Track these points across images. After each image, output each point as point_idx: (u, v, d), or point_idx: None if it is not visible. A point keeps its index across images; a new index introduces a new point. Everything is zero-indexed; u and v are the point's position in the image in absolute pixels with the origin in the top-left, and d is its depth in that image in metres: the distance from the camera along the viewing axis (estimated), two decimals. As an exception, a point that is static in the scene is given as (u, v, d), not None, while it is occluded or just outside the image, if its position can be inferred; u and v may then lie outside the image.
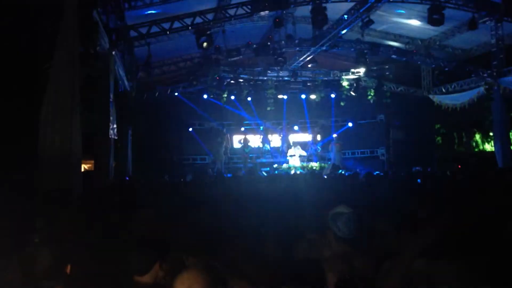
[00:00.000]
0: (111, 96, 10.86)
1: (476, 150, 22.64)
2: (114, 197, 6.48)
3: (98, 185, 10.15)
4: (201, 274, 2.18)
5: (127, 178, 13.40)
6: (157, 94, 20.06)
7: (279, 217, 3.78)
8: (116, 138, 11.76)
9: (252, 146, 22.29)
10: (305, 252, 3.07)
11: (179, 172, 19.29)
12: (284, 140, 22.90)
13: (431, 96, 20.95)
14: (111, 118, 10.79)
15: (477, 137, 22.07)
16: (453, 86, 20.08)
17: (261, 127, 23.07)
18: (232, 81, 20.28)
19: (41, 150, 7.40)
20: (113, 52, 11.40)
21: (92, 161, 13.05)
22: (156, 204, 5.49)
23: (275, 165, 21.28)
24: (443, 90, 20.62)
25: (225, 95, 21.14)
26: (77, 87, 7.84)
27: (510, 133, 17.82)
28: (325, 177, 13.85)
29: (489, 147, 21.57)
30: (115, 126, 11.45)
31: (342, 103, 22.46)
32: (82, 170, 10.32)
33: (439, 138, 22.35)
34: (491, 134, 17.63)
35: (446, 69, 19.22)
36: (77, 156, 7.88)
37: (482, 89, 17.53)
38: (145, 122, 15.68)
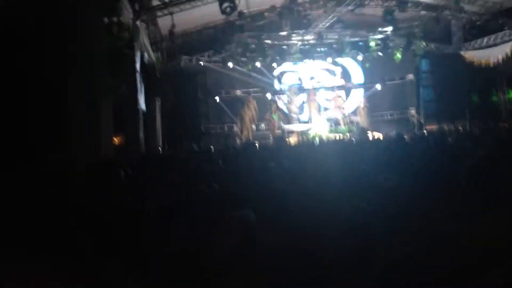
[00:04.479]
0: (138, 67, 10.80)
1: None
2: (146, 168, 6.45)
3: (130, 157, 10.21)
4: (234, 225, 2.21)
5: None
6: (182, 63, 19.95)
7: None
8: (144, 110, 11.75)
9: (280, 113, 22.10)
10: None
11: (207, 142, 19.34)
12: (311, 105, 22.58)
13: (462, 53, 20.30)
14: (138, 89, 10.75)
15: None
16: (485, 41, 19.37)
17: (287, 93, 22.74)
18: (257, 47, 19.95)
19: (71, 125, 7.42)
20: (137, 22, 11.28)
21: (122, 135, 13.15)
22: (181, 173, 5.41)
23: (304, 131, 21.13)
24: (475, 45, 19.93)
25: (250, 62, 20.89)
26: (103, 58, 7.80)
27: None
28: (353, 141, 13.68)
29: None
30: (143, 97, 11.43)
31: (367, 65, 22.05)
32: (114, 142, 10.40)
33: (475, 96, 21.45)
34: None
35: (478, 23, 18.53)
36: (108, 129, 7.90)
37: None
38: (172, 93, 15.62)
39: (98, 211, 3.39)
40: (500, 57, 17.92)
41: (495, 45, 18.81)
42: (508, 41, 17.77)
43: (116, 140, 16.59)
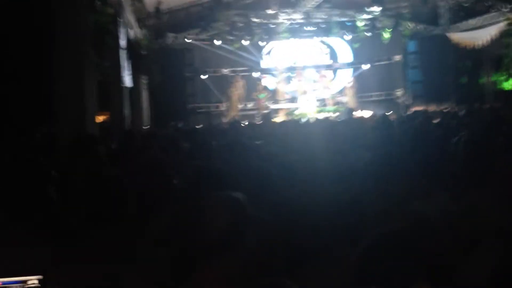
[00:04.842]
0: (123, 44, 10.62)
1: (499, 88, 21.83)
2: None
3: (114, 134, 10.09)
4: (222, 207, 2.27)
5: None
6: (168, 41, 19.71)
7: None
8: (130, 87, 11.61)
9: (267, 92, 21.99)
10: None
11: (194, 120, 19.22)
12: (298, 84, 22.50)
13: (449, 34, 20.29)
14: (123, 65, 10.59)
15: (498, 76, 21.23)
16: (472, 23, 19.37)
17: (274, 72, 22.61)
18: (244, 26, 19.76)
19: (55, 101, 7.27)
20: (122, -2, 11.07)
21: (107, 112, 13.01)
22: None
23: (291, 111, 21.08)
24: (463, 27, 19.93)
25: (238, 41, 20.70)
26: (87, 34, 7.62)
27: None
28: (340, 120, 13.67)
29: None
30: (128, 74, 11.27)
31: (355, 45, 22.02)
32: (98, 121, 10.26)
33: (462, 78, 21.36)
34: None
35: (465, 4, 18.51)
36: (92, 106, 7.76)
37: (503, 24, 16.96)
38: (158, 70, 15.47)
39: (81, 186, 3.35)
40: (486, 39, 17.96)
41: (482, 27, 18.82)
42: (494, 23, 17.78)
43: (101, 117, 16.45)
